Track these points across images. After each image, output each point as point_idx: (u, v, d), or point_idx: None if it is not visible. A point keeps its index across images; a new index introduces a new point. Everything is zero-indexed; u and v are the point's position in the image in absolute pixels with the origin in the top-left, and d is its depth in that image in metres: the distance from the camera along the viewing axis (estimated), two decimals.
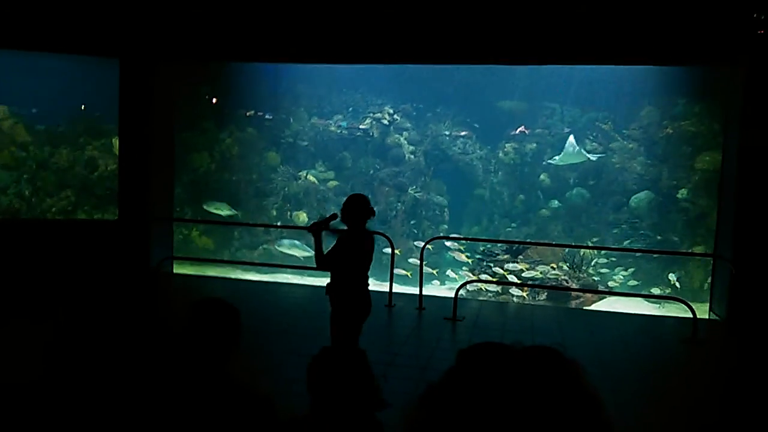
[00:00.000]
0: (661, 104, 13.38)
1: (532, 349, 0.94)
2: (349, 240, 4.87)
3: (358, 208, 4.87)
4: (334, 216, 4.98)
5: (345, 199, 5.01)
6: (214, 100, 14.45)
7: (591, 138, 14.17)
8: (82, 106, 13.61)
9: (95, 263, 9.41)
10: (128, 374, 5.56)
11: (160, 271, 9.76)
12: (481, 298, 11.09)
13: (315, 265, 5.01)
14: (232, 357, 2.48)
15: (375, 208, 4.99)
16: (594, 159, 13.45)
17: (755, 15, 7.96)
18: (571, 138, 13.13)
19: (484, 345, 0.96)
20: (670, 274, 12.08)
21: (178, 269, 10.82)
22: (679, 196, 12.79)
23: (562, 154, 13.31)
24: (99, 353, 6.11)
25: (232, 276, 11.64)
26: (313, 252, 4.96)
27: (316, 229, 4.86)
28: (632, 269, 12.69)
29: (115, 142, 11.14)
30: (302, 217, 14.03)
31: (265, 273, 12.24)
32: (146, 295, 9.00)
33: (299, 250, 12.75)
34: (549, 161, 13.70)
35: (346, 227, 4.93)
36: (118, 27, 9.56)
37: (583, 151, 13.25)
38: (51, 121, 13.32)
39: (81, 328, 6.97)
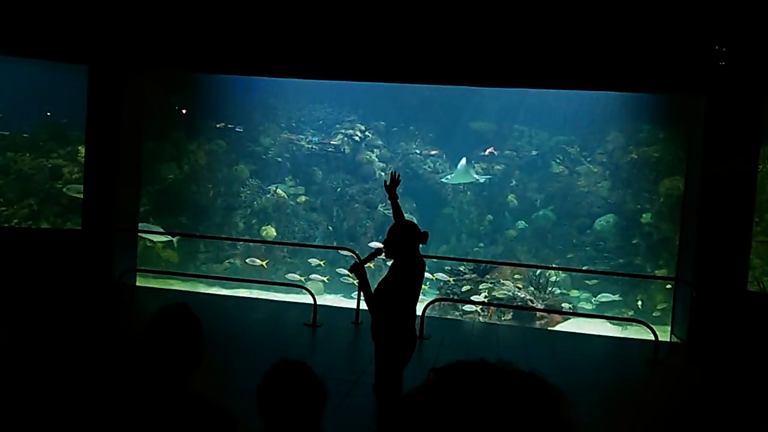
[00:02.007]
0: (626, 130, 13.70)
1: (512, 372, 0.92)
2: (401, 273, 4.28)
3: (404, 236, 4.33)
4: (378, 252, 4.42)
5: (388, 229, 4.46)
6: (184, 111, 14.32)
7: (558, 161, 14.43)
8: (48, 113, 13.36)
9: (57, 273, 9.17)
10: (83, 383, 5.41)
11: (122, 283, 9.56)
12: (447, 317, 11.11)
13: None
14: (194, 370, 2.42)
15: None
16: (482, 180, 14.28)
17: (716, 47, 8.23)
18: (463, 160, 13.75)
19: (458, 363, 0.94)
20: (637, 299, 12.30)
21: (141, 282, 10.62)
22: (642, 220, 13.05)
23: (455, 173, 13.98)
24: (52, 360, 5.94)
25: (196, 290, 11.46)
26: None
27: (359, 270, 4.33)
28: (596, 292, 12.87)
29: (81, 149, 10.94)
30: (270, 232, 13.92)
31: (230, 287, 12.09)
32: (106, 306, 8.79)
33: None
34: (443, 179, 14.33)
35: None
36: (88, 33, 9.43)
37: (472, 172, 14.04)
38: (15, 127, 13.04)
39: (35, 333, 6.78)
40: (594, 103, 13.43)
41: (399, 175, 4.86)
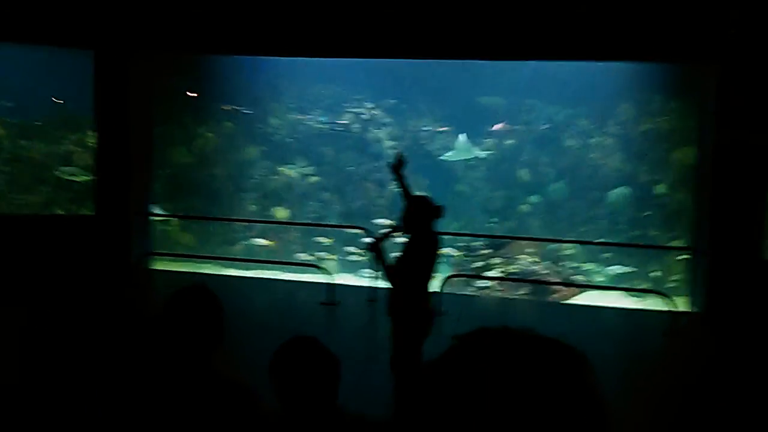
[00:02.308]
0: (638, 101, 13.51)
1: (538, 338, 0.90)
2: (417, 248, 4.28)
3: (419, 211, 4.33)
4: (395, 229, 4.47)
5: (404, 204, 4.43)
6: (192, 94, 14.27)
7: (569, 134, 14.29)
8: (61, 100, 13.35)
9: (73, 259, 9.25)
10: (107, 368, 5.48)
11: (139, 267, 9.64)
12: (463, 293, 11.12)
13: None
14: (216, 349, 2.43)
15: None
16: (483, 155, 14.20)
17: (727, 15, 8.07)
18: (462, 136, 13.78)
19: (481, 330, 0.93)
20: (652, 270, 12.24)
21: (158, 265, 10.69)
22: (656, 191, 12.94)
23: (454, 150, 13.95)
24: (74, 346, 6.01)
25: (212, 271, 11.53)
26: None
27: (376, 248, 4.32)
28: (612, 264, 12.82)
29: (92, 135, 10.96)
30: (282, 213, 13.95)
31: (246, 268, 12.15)
32: (125, 289, 8.87)
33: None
34: (442, 157, 14.22)
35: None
36: (93, 18, 9.39)
37: (473, 148, 13.96)
38: (26, 115, 13.05)
39: (56, 319, 6.86)
40: (604, 75, 13.23)
41: (404, 156, 4.80)
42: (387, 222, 12.81)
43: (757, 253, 8.40)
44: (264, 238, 12.99)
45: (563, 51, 9.07)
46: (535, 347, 0.88)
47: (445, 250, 12.64)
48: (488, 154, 14.27)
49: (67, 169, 12.00)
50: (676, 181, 12.53)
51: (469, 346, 0.90)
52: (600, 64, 11.61)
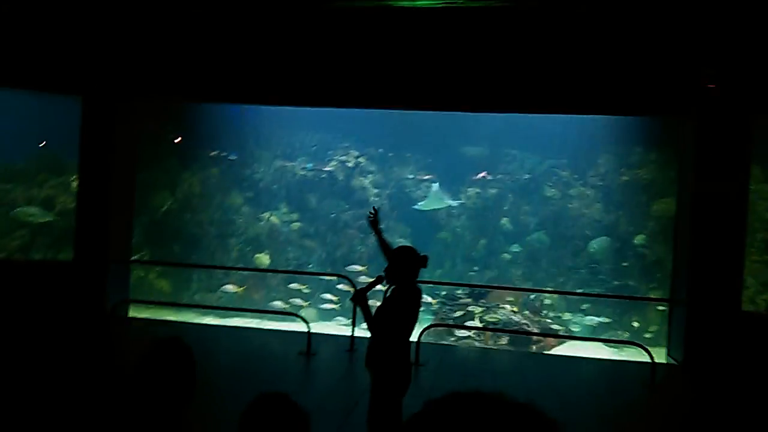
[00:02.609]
0: (618, 152, 13.80)
1: (510, 404, 0.90)
2: (400, 300, 4.25)
3: (405, 262, 4.28)
4: (379, 279, 4.35)
5: (388, 255, 4.42)
6: (178, 139, 14.36)
7: (550, 184, 14.50)
8: (47, 144, 13.37)
9: (50, 305, 9.10)
10: (81, 417, 5.34)
11: (115, 314, 9.48)
12: (442, 342, 11.05)
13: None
14: (187, 403, 2.40)
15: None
16: (455, 204, 14.27)
17: (703, 69, 8.34)
18: (435, 185, 13.98)
19: (453, 395, 0.92)
20: (632, 321, 12.29)
21: (134, 313, 10.52)
22: (635, 241, 13.08)
23: (427, 200, 14.10)
24: (49, 392, 5.86)
25: (190, 320, 11.38)
26: None
27: (359, 298, 4.25)
28: (591, 314, 12.83)
29: (75, 180, 10.94)
30: (264, 260, 13.88)
31: (224, 317, 12.01)
32: (99, 339, 8.70)
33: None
34: (415, 207, 14.34)
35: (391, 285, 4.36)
36: (82, 64, 9.49)
37: (445, 197, 14.14)
38: (8, 158, 13.02)
39: (27, 366, 6.69)
40: (585, 126, 13.54)
41: (378, 209, 4.90)
42: (366, 269, 12.81)
43: (736, 304, 8.47)
44: (242, 285, 12.90)
45: (544, 103, 9.28)
46: (506, 414, 0.88)
47: (425, 300, 12.63)
48: (460, 204, 14.40)
49: (26, 209, 11.91)
50: (656, 231, 12.70)
51: (441, 412, 0.90)
52: (581, 116, 11.89)
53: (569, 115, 12.02)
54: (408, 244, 4.63)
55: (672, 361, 8.89)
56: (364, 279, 11.52)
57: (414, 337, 4.99)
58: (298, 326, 9.09)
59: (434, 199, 13.86)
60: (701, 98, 8.45)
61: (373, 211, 4.82)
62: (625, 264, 13.11)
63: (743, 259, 8.67)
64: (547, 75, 8.82)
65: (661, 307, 11.55)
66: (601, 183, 13.99)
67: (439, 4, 8.60)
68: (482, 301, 12.42)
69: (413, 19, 8.78)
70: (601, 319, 12.60)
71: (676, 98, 8.71)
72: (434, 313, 12.50)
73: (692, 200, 8.69)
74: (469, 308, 12.19)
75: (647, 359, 7.78)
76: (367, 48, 9.13)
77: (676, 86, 8.60)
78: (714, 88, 8.37)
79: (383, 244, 4.69)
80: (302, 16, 9.04)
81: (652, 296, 12.29)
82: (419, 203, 14.22)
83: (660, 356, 8.67)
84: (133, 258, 11.15)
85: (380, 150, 15.48)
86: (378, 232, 4.74)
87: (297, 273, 13.07)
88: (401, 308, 4.23)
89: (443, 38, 8.89)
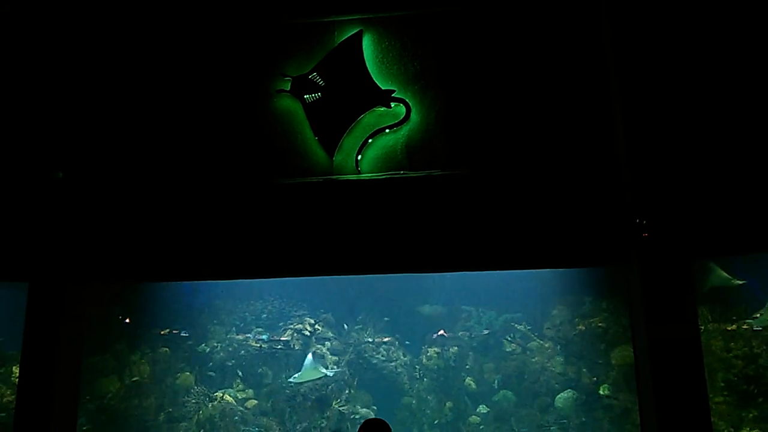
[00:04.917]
0: (570, 303, 14.01)
1: None
2: None
3: None
4: None
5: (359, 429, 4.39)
6: (127, 320, 13.98)
7: (509, 338, 14.45)
8: None
9: None
10: None
11: None
12: None
13: None
14: None
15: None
16: (331, 374, 14.01)
17: (638, 220, 8.82)
18: (309, 356, 13.81)
19: None
20: None
21: None
22: (601, 392, 12.89)
23: (302, 371, 13.79)
24: None
25: None
26: None
27: None
28: None
29: (15, 370, 10.39)
30: None
31: None
32: None
33: None
34: (290, 380, 13.93)
35: None
36: (27, 251, 9.43)
37: (320, 367, 13.92)
38: None
39: None
40: (535, 278, 13.83)
41: None
42: None
43: None
44: None
45: (491, 261, 9.53)
46: None
47: None
48: (334, 372, 14.09)
49: None
50: (619, 380, 12.58)
51: None
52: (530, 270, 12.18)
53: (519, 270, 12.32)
54: (374, 418, 4.45)
55: None
56: None
57: None
58: None
59: (309, 369, 13.59)
60: (638, 246, 8.83)
61: None
62: (594, 417, 12.80)
63: (707, 401, 8.58)
64: (493, 235, 9.18)
65: None
66: (557, 334, 14.03)
67: (384, 176, 9.09)
68: None
69: (359, 190, 9.21)
70: None
71: (614, 249, 9.09)
72: None
73: (648, 346, 8.74)
74: None
75: None
76: (315, 217, 9.41)
77: (614, 238, 9.01)
78: (649, 236, 8.80)
79: None
80: (250, 191, 9.37)
81: None
82: (295, 375, 13.77)
83: None
84: None
85: (336, 315, 15.35)
86: None
87: None
88: None
89: (387, 206, 9.26)
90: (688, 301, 8.72)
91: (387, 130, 9.81)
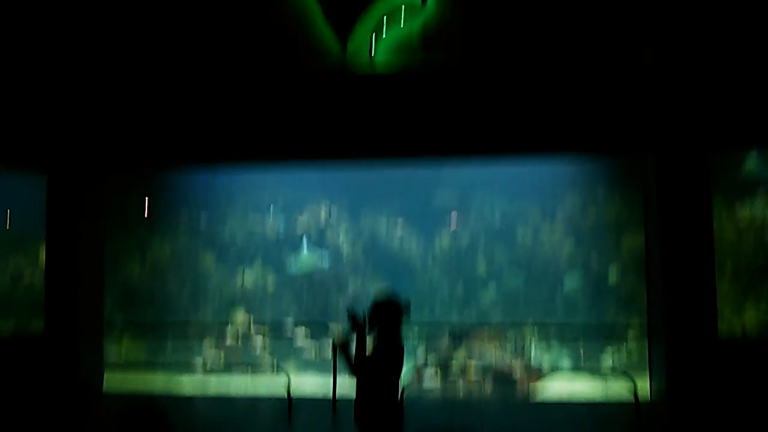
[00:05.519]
0: (584, 192, 14.06)
1: None
2: (385, 350, 4.16)
3: (387, 311, 4.20)
4: (360, 328, 4.24)
5: (371, 302, 4.31)
6: (147, 206, 14.26)
7: (521, 226, 14.67)
8: (12, 221, 13.16)
9: (21, 380, 8.84)
10: None
11: (89, 385, 9.22)
12: (427, 389, 10.93)
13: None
14: None
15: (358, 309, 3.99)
16: (327, 264, 14.27)
17: (659, 111, 8.65)
18: (305, 248, 14.14)
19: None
20: (612, 356, 12.32)
21: (109, 381, 10.24)
22: (609, 278, 13.22)
23: (299, 262, 14.13)
24: None
25: (167, 384, 11.12)
26: None
27: (342, 348, 4.17)
28: (572, 350, 12.84)
29: (42, 255, 10.78)
30: (240, 319, 13.68)
31: (203, 379, 11.75)
32: (74, 411, 8.42)
33: None
34: (290, 270, 14.25)
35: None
36: (45, 141, 9.48)
37: (316, 257, 14.17)
38: None
39: None
40: (550, 168, 13.79)
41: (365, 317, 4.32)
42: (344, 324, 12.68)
43: (713, 332, 8.57)
44: (219, 346, 12.68)
45: (509, 149, 9.49)
46: None
47: (408, 346, 12.51)
48: (330, 263, 14.36)
49: None
50: (628, 268, 12.86)
51: None
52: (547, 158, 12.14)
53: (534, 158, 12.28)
54: (389, 293, 4.58)
55: (655, 392, 8.90)
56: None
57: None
58: (279, 383, 8.93)
59: (306, 260, 13.91)
60: (658, 137, 8.73)
61: (358, 316, 4.29)
62: (601, 301, 13.21)
63: (715, 288, 8.81)
64: (510, 121, 9.07)
65: (640, 340, 11.61)
66: (569, 221, 14.20)
67: (398, 65, 8.87)
68: (464, 345, 12.35)
69: (374, 78, 9.05)
70: (580, 355, 12.61)
71: (633, 138, 8.98)
72: (417, 359, 12.38)
73: (659, 235, 8.87)
74: (452, 353, 12.11)
75: (630, 392, 7.79)
76: (331, 105, 9.31)
77: (633, 127, 8.88)
78: (670, 126, 8.67)
79: (349, 361, 4.22)
80: (267, 82, 9.22)
81: (630, 331, 12.35)
82: (292, 267, 14.11)
83: (642, 389, 8.68)
84: (105, 327, 10.91)
85: (351, 202, 15.54)
86: (345, 352, 4.20)
87: (274, 330, 12.90)
88: (387, 359, 4.17)
89: (402, 93, 9.12)
90: (703, 192, 8.73)
91: (403, 19, 9.46)
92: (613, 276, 13.20)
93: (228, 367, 12.36)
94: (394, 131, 9.32)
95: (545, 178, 14.23)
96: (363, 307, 4.41)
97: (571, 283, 13.64)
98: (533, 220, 14.68)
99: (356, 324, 4.19)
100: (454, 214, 15.14)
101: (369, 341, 4.24)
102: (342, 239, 15.01)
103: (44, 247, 10.12)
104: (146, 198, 14.10)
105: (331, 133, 9.45)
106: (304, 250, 13.80)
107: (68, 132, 9.51)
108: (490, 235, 14.84)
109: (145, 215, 14.12)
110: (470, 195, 15.40)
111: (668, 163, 8.81)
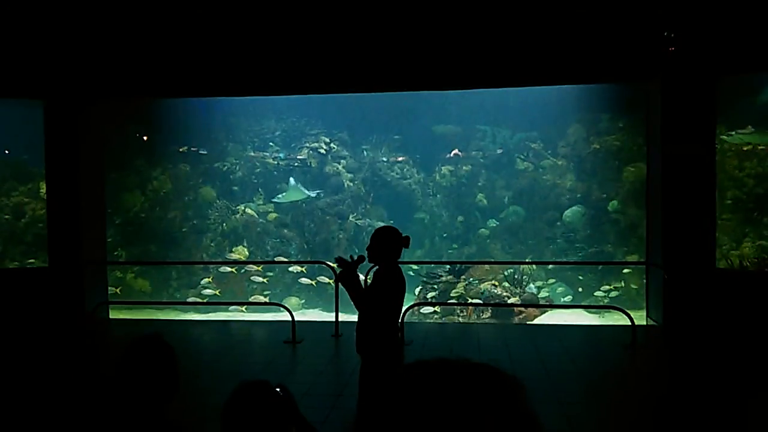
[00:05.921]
0: (586, 121, 13.92)
1: (469, 365, 0.93)
2: (386, 279, 4.21)
3: (387, 242, 4.25)
4: (360, 259, 4.26)
5: (371, 234, 4.34)
6: (145, 138, 14.15)
7: (522, 157, 14.60)
8: (6, 151, 13.10)
9: (27, 312, 8.98)
10: (64, 420, 5.29)
11: (95, 317, 9.38)
12: (426, 321, 11.13)
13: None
14: (171, 399, 2.39)
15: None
16: (313, 195, 14.32)
17: (665, 33, 8.42)
18: (291, 179, 14.07)
19: (420, 362, 0.95)
20: (611, 285, 12.53)
21: (115, 314, 10.42)
22: (609, 208, 13.26)
23: (286, 192, 14.13)
24: (31, 398, 5.80)
25: (171, 317, 11.34)
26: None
27: (344, 278, 4.16)
28: (570, 282, 13.03)
29: (43, 186, 10.73)
30: (242, 252, 13.81)
31: (206, 312, 11.96)
32: (80, 341, 8.61)
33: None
34: (274, 200, 14.34)
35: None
36: (42, 68, 9.28)
37: (302, 188, 14.17)
38: None
39: (13, 373, 6.61)
40: (552, 97, 13.61)
41: (358, 257, 4.32)
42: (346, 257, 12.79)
43: (710, 263, 8.64)
44: (222, 279, 12.86)
45: (509, 77, 9.30)
46: (467, 375, 0.90)
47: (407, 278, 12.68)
48: (318, 194, 14.38)
49: None
50: (628, 197, 12.87)
51: (404, 379, 0.92)
52: (547, 87, 11.94)
53: (536, 87, 12.07)
54: (389, 225, 4.61)
55: (652, 323, 9.07)
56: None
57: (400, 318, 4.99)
58: (282, 316, 9.09)
59: (292, 191, 13.91)
60: (663, 62, 8.53)
61: (351, 260, 4.25)
62: (600, 231, 13.30)
63: (715, 218, 8.83)
64: (509, 49, 8.84)
65: (638, 271, 11.76)
66: (571, 153, 14.12)
67: None
68: (463, 277, 12.52)
69: (374, 4, 8.74)
70: (580, 287, 12.80)
71: (639, 64, 8.78)
72: (417, 291, 12.57)
73: (662, 164, 8.80)
74: (451, 285, 12.28)
75: (628, 323, 7.93)
76: (330, 32, 9.05)
77: (640, 52, 8.67)
78: (675, 51, 8.45)
79: (354, 296, 4.25)
80: (263, 5, 8.93)
81: (628, 260, 12.49)
82: (279, 196, 14.13)
83: (640, 319, 8.84)
84: (109, 259, 11.01)
85: (351, 134, 15.42)
86: (347, 285, 4.21)
87: (277, 263, 13.04)
88: (388, 290, 4.20)
89: (403, 18, 8.84)
90: (708, 118, 8.61)
91: None
92: (613, 206, 13.24)
93: (231, 300, 12.60)
94: (395, 60, 9.10)
95: (548, 108, 14.06)
96: (358, 244, 4.45)
97: (571, 214, 13.69)
98: (535, 150, 14.60)
99: (346, 264, 4.21)
100: (455, 150, 15.05)
101: (371, 275, 4.27)
102: (342, 172, 14.96)
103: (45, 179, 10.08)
104: (144, 129, 13.99)
105: (331, 59, 9.22)
106: (291, 183, 13.79)
107: (64, 57, 9.28)
108: (491, 167, 14.81)
109: (144, 145, 14.04)
110: (471, 126, 15.27)
111: (673, 88, 8.64)
